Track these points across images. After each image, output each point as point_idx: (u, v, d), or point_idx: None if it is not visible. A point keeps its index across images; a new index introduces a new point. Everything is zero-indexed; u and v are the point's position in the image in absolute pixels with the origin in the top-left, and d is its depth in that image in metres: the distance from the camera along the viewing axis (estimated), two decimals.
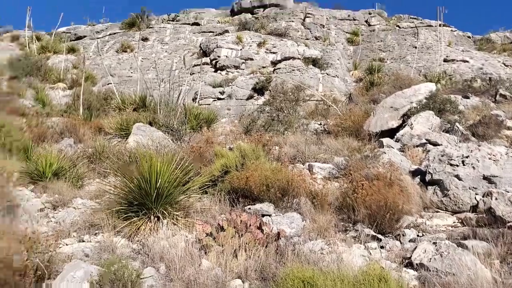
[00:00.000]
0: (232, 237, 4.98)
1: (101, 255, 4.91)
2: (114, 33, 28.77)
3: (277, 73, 20.18)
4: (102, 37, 28.70)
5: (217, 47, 22.33)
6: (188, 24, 28.21)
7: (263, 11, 27.67)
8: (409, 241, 5.56)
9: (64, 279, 3.96)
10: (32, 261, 4.29)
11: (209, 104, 18.34)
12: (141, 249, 5.16)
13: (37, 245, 4.51)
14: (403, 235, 5.69)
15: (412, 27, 26.53)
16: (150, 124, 12.20)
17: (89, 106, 15.76)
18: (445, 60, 22.77)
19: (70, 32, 30.19)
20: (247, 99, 18.70)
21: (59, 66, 23.30)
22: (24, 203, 7.09)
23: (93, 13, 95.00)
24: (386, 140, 9.98)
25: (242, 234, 5.05)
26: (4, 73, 22.01)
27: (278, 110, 12.75)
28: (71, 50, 26.85)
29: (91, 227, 5.90)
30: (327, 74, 20.87)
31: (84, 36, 29.54)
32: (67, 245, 5.45)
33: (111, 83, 19.96)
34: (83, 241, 5.52)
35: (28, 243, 4.47)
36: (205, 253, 4.87)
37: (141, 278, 4.00)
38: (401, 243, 5.53)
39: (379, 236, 5.60)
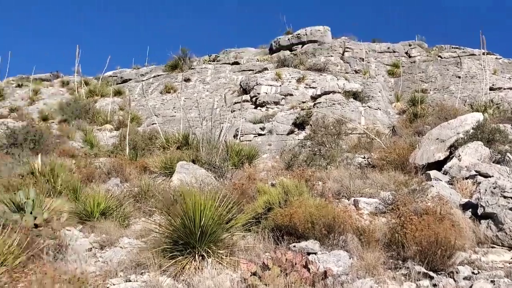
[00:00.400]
0: (277, 276, 4.89)
1: None
2: (158, 75, 29.84)
3: (317, 107, 20.20)
4: (147, 79, 29.81)
5: (257, 84, 22.68)
6: (228, 63, 28.91)
7: (302, 47, 28.02)
8: (464, 278, 5.27)
9: None
10: None
11: (250, 141, 18.49)
12: None
13: (85, 286, 4.59)
14: (456, 273, 5.40)
15: (454, 57, 26.08)
16: (193, 161, 12.38)
17: (135, 146, 16.19)
18: (491, 89, 22.14)
19: (116, 76, 31.56)
20: (288, 134, 18.74)
21: (106, 109, 24.28)
22: (73, 243, 7.25)
23: (137, 55, 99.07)
24: (433, 173, 9.68)
25: (288, 273, 4.95)
26: (55, 116, 23.15)
27: (320, 144, 12.67)
28: (117, 93, 28.00)
29: (138, 267, 5.95)
30: (369, 107, 20.69)
31: (130, 79, 30.80)
32: (114, 285, 5.50)
33: (155, 123, 20.56)
34: (130, 281, 5.55)
35: (77, 283, 4.55)
36: None
37: None
38: (455, 281, 5.24)
39: (431, 273, 5.35)
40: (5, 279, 4.96)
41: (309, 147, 12.96)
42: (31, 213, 8.18)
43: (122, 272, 5.95)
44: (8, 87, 29.15)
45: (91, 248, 7.26)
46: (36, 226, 7.83)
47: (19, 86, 29.52)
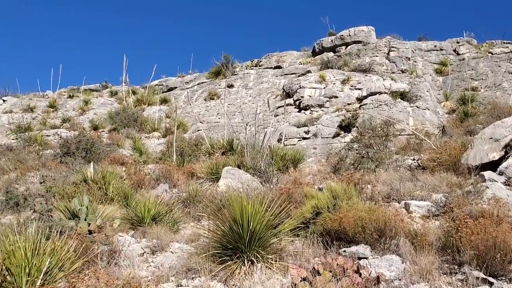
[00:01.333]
0: (329, 282, 4.82)
1: None
2: (202, 83, 30.31)
3: (363, 109, 19.86)
4: (191, 87, 30.33)
5: (300, 87, 22.56)
6: (271, 68, 28.94)
7: (345, 48, 27.66)
8: None
9: None
10: None
11: (294, 145, 18.40)
12: None
13: None
14: None
15: (506, 52, 24.96)
16: (239, 167, 12.44)
17: (182, 152, 16.46)
18: None
19: (162, 85, 32.32)
20: (333, 137, 18.52)
21: (153, 117, 24.87)
22: (125, 248, 7.43)
23: (182, 63, 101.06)
24: (488, 174, 9.26)
25: (339, 279, 4.87)
26: (105, 125, 23.93)
27: (367, 147, 12.42)
28: (164, 101, 28.65)
29: (188, 271, 6.02)
30: (417, 107, 20.12)
31: (175, 87, 31.45)
32: None
33: (200, 130, 20.86)
34: (181, 286, 5.62)
35: None
36: None
37: None
38: None
39: (491, 279, 5.10)
40: (63, 284, 5.15)
41: (356, 149, 12.72)
42: (85, 219, 8.46)
43: (173, 277, 6.03)
44: (60, 99, 30.43)
45: (143, 253, 7.41)
46: (90, 232, 8.09)
47: (70, 97, 30.76)
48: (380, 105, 19.89)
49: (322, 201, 7.60)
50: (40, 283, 4.92)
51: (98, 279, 4.59)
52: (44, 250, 5.41)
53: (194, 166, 14.13)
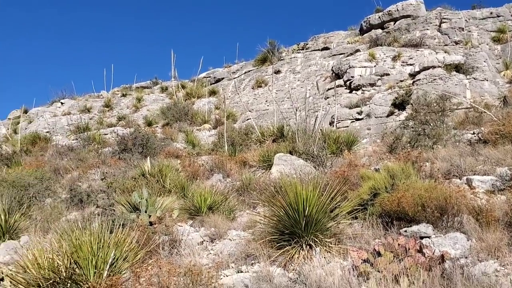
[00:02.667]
0: (390, 263, 4.68)
1: (260, 285, 4.98)
2: (249, 71, 30.32)
3: (416, 85, 19.14)
4: (238, 76, 30.44)
5: (350, 67, 22.05)
6: (318, 50, 28.48)
7: (394, 24, 26.71)
8: None
9: None
10: None
11: (347, 127, 18.05)
12: (297, 278, 5.12)
13: (200, 277, 4.75)
14: None
15: None
16: (290, 153, 12.36)
17: (233, 142, 16.59)
18: None
19: (209, 76, 32.67)
20: (387, 116, 17.98)
21: (203, 109, 25.21)
22: (185, 237, 7.59)
23: (227, 53, 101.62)
24: None
25: (401, 259, 4.72)
26: (158, 121, 24.53)
27: (423, 123, 11.94)
28: (212, 93, 28.96)
29: (247, 258, 6.06)
30: (474, 78, 19.14)
31: (222, 78, 31.70)
32: (226, 276, 5.65)
33: (250, 118, 20.92)
34: (241, 272, 5.67)
35: (192, 276, 4.73)
36: (364, 280, 4.63)
37: None
38: None
39: None
40: (127, 274, 5.32)
41: (412, 127, 12.26)
42: (145, 212, 8.71)
43: (233, 264, 6.10)
44: (114, 98, 31.47)
45: (202, 242, 7.54)
46: (151, 223, 8.32)
47: (123, 95, 31.73)
48: (434, 79, 19.08)
49: (379, 182, 7.40)
50: (107, 274, 5.11)
51: (160, 268, 4.70)
52: (109, 243, 5.60)
53: (245, 155, 14.20)
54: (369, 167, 9.82)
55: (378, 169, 8.80)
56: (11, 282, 5.55)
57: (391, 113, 17.93)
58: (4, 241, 8.45)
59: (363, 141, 15.73)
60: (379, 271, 4.64)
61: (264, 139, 15.72)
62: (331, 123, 18.10)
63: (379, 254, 4.89)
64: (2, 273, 6.41)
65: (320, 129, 13.66)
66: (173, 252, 6.74)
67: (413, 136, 11.71)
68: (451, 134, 11.57)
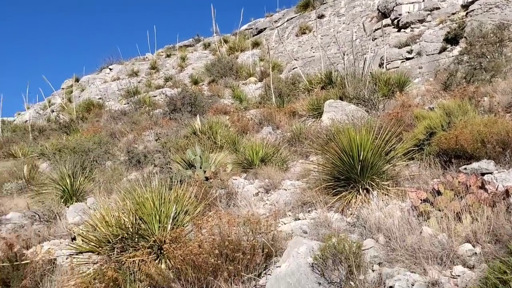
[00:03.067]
0: (451, 201, 4.56)
1: (318, 230, 5.03)
2: (291, 18, 29.55)
3: (470, 16, 17.96)
4: (281, 25, 29.76)
5: (397, 4, 20.96)
6: None
7: None
8: None
9: (289, 255, 4.15)
10: (257, 241, 4.63)
11: (397, 67, 17.37)
12: (355, 221, 5.13)
13: (259, 226, 4.85)
14: None
15: None
16: (341, 99, 12.13)
17: (280, 93, 16.45)
18: None
19: (251, 28, 32.16)
20: (440, 52, 17.10)
21: (247, 62, 25.00)
22: (240, 190, 7.75)
23: (268, 1, 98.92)
24: None
25: (462, 196, 4.58)
26: (204, 78, 24.64)
27: (480, 56, 11.26)
28: (255, 45, 28.57)
29: (304, 205, 6.12)
30: None
31: (264, 29, 31.12)
32: (284, 224, 5.75)
33: (296, 67, 20.56)
34: (299, 219, 5.74)
35: (251, 225, 4.84)
36: (424, 220, 4.56)
37: (362, 250, 3.94)
38: None
39: None
40: (189, 227, 5.53)
41: (467, 62, 11.61)
42: (200, 167, 8.93)
43: (290, 212, 6.18)
44: (159, 59, 31.79)
45: (257, 193, 7.68)
46: (206, 178, 8.54)
47: (168, 56, 31.97)
48: (490, 8, 17.79)
49: (434, 121, 7.16)
50: (170, 227, 5.32)
51: (220, 219, 4.83)
52: (169, 198, 5.81)
53: (294, 105, 14.09)
54: (423, 107, 9.50)
55: (433, 108, 8.49)
56: (82, 240, 5.91)
57: (443, 49, 17.01)
58: (72, 203, 8.97)
59: (415, 81, 15.13)
60: (439, 210, 4.54)
61: (312, 87, 15.47)
62: (380, 65, 17.49)
63: (438, 193, 4.78)
64: (74, 233, 6.85)
65: (370, 72, 13.25)
66: (230, 204, 6.91)
67: (469, 70, 11.12)
68: (511, 65, 10.89)
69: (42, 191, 9.80)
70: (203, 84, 23.80)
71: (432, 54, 17.17)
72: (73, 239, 6.80)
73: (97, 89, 27.51)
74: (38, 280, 5.59)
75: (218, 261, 4.29)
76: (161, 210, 5.59)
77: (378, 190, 5.67)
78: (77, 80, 30.83)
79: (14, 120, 27.58)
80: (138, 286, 4.73)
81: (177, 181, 6.62)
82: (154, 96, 22.62)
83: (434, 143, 6.65)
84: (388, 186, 5.77)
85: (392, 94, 12.28)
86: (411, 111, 8.85)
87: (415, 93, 12.25)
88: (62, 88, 31.84)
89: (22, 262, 5.63)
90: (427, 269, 3.75)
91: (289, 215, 6.10)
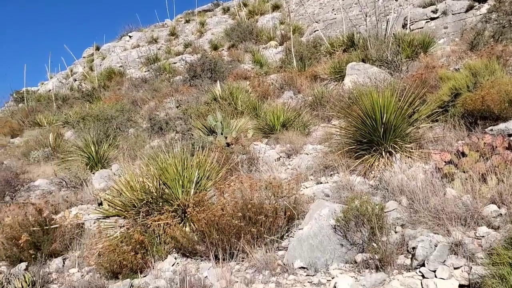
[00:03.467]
0: (476, 162, 4.49)
1: (340, 193, 5.04)
2: None
3: None
4: None
5: None
6: None
7: None
8: None
9: (312, 217, 4.18)
10: (279, 204, 4.66)
11: (421, 28, 16.84)
12: (378, 184, 5.11)
13: (281, 189, 4.88)
14: None
15: None
16: (363, 61, 11.88)
17: (301, 57, 16.18)
18: None
19: None
20: (466, 11, 16.46)
21: (268, 26, 24.57)
22: (262, 155, 7.77)
23: None
24: None
25: (488, 158, 4.50)
26: (224, 43, 24.40)
27: (509, 14, 10.80)
28: (275, 8, 27.97)
29: (326, 169, 6.12)
30: None
31: None
32: (306, 187, 5.78)
33: (317, 30, 20.14)
34: (321, 183, 5.75)
35: (273, 189, 4.87)
36: (448, 181, 4.51)
37: (384, 212, 3.94)
38: None
39: None
40: (212, 191, 5.60)
41: (495, 20, 11.15)
42: (221, 133, 8.96)
43: (312, 176, 6.19)
44: (178, 25, 31.52)
45: (279, 158, 7.69)
46: (228, 144, 8.58)
47: (187, 21, 31.66)
48: None
49: (460, 81, 6.97)
50: (193, 192, 5.40)
51: (242, 183, 4.87)
52: (191, 164, 5.88)
53: (315, 68, 13.87)
54: (448, 68, 9.25)
55: (458, 68, 8.27)
56: (108, 205, 6.06)
57: (470, 8, 16.36)
58: (97, 170, 9.16)
59: (440, 41, 14.68)
60: (464, 172, 4.48)
61: (334, 50, 15.16)
62: (404, 26, 16.97)
63: (463, 154, 4.70)
64: (100, 198, 7.02)
65: (393, 33, 12.88)
66: (252, 170, 6.95)
67: (497, 29, 10.70)
68: None
69: (68, 158, 10.01)
70: (223, 49, 23.58)
71: (458, 13, 16.56)
72: (100, 204, 6.98)
73: (117, 57, 27.57)
74: (68, 244, 5.80)
75: (241, 224, 4.36)
76: (184, 175, 5.67)
77: (401, 153, 5.61)
78: (97, 49, 30.92)
79: (38, 90, 27.98)
80: (164, 249, 4.86)
81: (199, 147, 6.66)
82: (174, 63, 22.57)
83: (459, 104, 6.50)
84: (411, 149, 5.70)
85: (416, 56, 11.97)
86: (436, 73, 8.63)
87: (440, 54, 11.91)
88: (84, 57, 32.01)
89: (52, 227, 5.83)
90: (450, 230, 3.74)
91: (311, 179, 6.11)
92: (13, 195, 8.40)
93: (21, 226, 5.68)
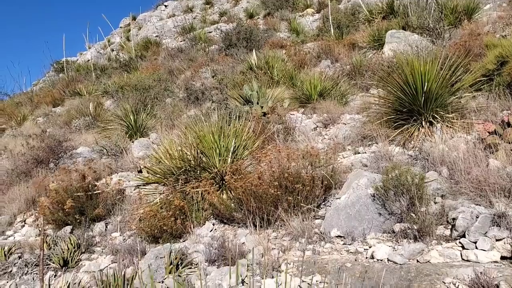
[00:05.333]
0: None
1: (379, 163, 4.98)
2: None
3: None
4: None
5: None
6: None
7: None
8: None
9: (349, 187, 4.17)
10: (316, 173, 4.66)
11: None
12: (418, 154, 5.02)
13: (319, 159, 4.87)
14: None
15: None
16: (403, 29, 11.50)
17: (339, 24, 15.79)
18: None
19: None
20: None
21: None
22: (298, 125, 7.73)
23: None
24: None
25: None
26: (259, 12, 24.07)
27: None
28: None
29: (364, 139, 6.04)
30: None
31: None
32: (344, 157, 5.74)
33: None
34: (359, 153, 5.69)
35: (310, 158, 4.86)
36: (492, 152, 4.38)
37: (424, 182, 3.88)
38: None
39: None
40: (249, 160, 5.65)
41: None
42: (257, 103, 8.95)
43: (349, 146, 6.14)
44: None
45: (315, 128, 7.64)
46: (264, 114, 8.57)
47: None
48: None
49: (507, 49, 6.65)
50: (230, 160, 5.47)
51: (280, 152, 4.88)
52: (228, 133, 5.93)
53: (353, 36, 13.54)
54: (494, 35, 8.84)
55: (505, 35, 7.89)
56: (148, 172, 6.21)
57: None
58: (137, 138, 9.36)
59: (486, 7, 13.99)
60: (509, 142, 4.34)
61: (373, 18, 14.71)
62: None
63: (508, 125, 4.55)
64: (140, 166, 7.21)
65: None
66: (288, 139, 6.94)
67: None
68: None
69: (108, 127, 10.27)
70: (258, 18, 23.27)
71: None
72: (139, 171, 7.17)
73: (153, 27, 27.67)
74: (110, 209, 6.02)
75: (278, 192, 4.39)
76: (221, 144, 5.73)
77: (442, 123, 5.47)
78: (134, 19, 31.11)
79: (77, 60, 28.55)
80: (202, 215, 4.97)
81: (236, 117, 6.69)
82: (209, 32, 22.48)
83: (505, 73, 6.24)
84: (453, 119, 5.55)
85: (459, 23, 11.47)
86: (480, 40, 8.27)
87: (485, 20, 11.36)
88: (120, 27, 32.30)
89: (95, 192, 6.05)
90: (493, 201, 3.65)
91: (349, 149, 6.06)
92: (57, 162, 8.71)
93: (66, 191, 5.92)
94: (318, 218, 4.43)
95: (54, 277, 4.58)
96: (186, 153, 5.70)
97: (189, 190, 5.13)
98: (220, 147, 5.69)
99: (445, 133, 5.16)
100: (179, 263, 3.99)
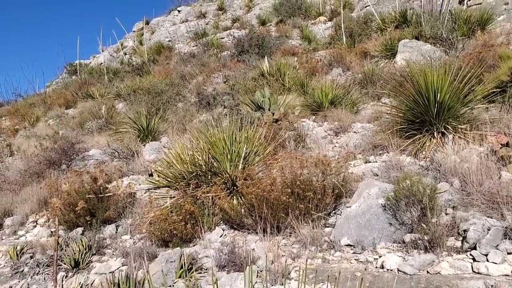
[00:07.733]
0: None
1: (390, 173, 4.98)
2: None
3: None
4: None
5: None
6: None
7: None
8: None
9: (360, 196, 4.18)
10: (328, 182, 4.67)
11: (479, 4, 16.02)
12: (429, 165, 5.01)
13: (330, 168, 4.88)
14: None
15: None
16: (416, 38, 11.49)
17: (351, 33, 15.81)
18: None
19: None
20: None
21: (317, 1, 24.07)
22: (309, 132, 7.75)
23: None
24: None
25: None
26: (272, 19, 24.17)
27: None
28: None
29: (375, 148, 6.05)
30: None
31: None
32: (354, 166, 5.74)
33: (368, 5, 19.57)
34: (369, 162, 5.70)
35: (322, 166, 4.88)
36: (504, 165, 4.37)
37: (436, 193, 3.88)
38: None
39: None
40: (260, 166, 5.67)
41: None
42: (269, 109, 8.98)
43: (360, 155, 6.14)
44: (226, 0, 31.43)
45: (326, 135, 7.65)
46: (275, 120, 8.60)
47: None
48: None
49: None
50: (242, 166, 5.49)
51: (295, 158, 4.90)
52: (240, 139, 5.96)
53: (366, 45, 13.54)
54: (508, 46, 8.81)
55: None
56: (159, 176, 6.26)
57: None
58: (148, 142, 9.43)
59: (499, 18, 13.93)
60: None
61: (386, 27, 14.72)
62: (460, 2, 16.21)
63: None
64: (151, 169, 7.26)
65: (449, 10, 12.36)
66: (299, 146, 6.96)
67: None
68: None
69: (120, 130, 10.36)
70: (271, 25, 23.36)
71: None
72: (150, 175, 7.22)
73: (166, 31, 27.89)
74: (120, 211, 6.07)
75: (290, 199, 4.41)
76: (233, 150, 5.76)
77: (454, 134, 5.46)
78: (147, 23, 31.37)
79: (90, 63, 28.82)
80: (212, 220, 5.00)
81: (247, 123, 6.73)
82: (222, 38, 22.60)
83: None
84: (465, 130, 5.53)
85: (473, 33, 11.44)
86: (494, 51, 8.25)
87: (499, 31, 11.32)
88: (134, 31, 32.58)
89: (106, 195, 6.11)
90: (505, 214, 3.64)
91: (359, 158, 6.06)
92: (69, 163, 8.80)
93: (78, 193, 5.98)
94: (328, 227, 4.44)
95: (66, 277, 4.63)
96: (197, 158, 5.74)
97: (200, 195, 5.17)
98: (232, 152, 5.73)
99: (457, 144, 5.15)
100: (189, 267, 4.02)
